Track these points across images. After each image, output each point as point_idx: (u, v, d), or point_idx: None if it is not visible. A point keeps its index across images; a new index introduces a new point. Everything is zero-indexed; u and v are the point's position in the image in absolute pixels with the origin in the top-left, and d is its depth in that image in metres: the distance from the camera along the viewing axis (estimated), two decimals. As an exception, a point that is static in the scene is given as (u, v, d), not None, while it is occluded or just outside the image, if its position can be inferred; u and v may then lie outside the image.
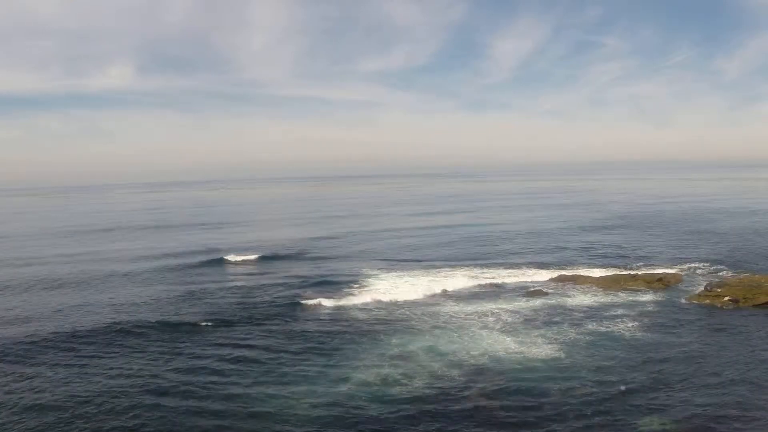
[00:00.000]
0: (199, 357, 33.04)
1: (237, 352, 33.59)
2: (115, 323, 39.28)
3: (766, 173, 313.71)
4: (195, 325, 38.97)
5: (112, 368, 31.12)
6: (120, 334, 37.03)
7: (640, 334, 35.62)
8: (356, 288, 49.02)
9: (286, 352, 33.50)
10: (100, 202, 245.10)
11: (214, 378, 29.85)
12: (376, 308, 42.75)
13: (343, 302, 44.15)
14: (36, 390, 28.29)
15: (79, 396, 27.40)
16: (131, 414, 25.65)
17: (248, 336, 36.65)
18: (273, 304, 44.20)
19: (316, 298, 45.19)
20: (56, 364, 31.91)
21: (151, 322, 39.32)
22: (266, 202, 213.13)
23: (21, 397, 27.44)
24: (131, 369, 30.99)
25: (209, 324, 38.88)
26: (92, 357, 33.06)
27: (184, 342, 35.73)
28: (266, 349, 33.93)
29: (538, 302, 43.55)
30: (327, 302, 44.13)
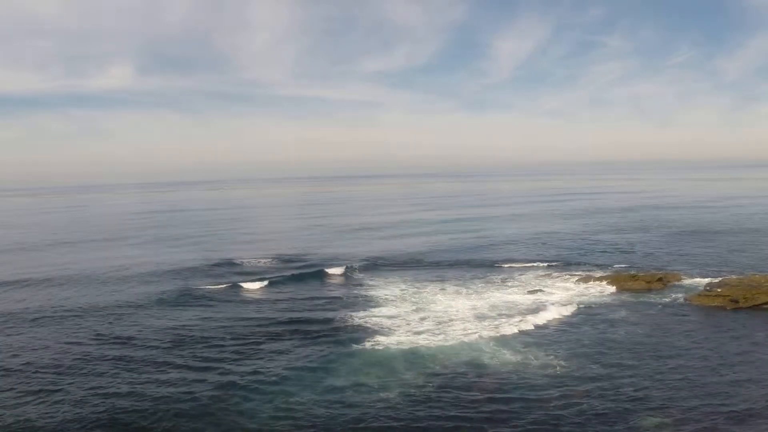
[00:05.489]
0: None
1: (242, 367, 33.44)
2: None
3: (766, 173, 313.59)
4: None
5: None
6: None
7: (639, 334, 35.57)
8: (365, 302, 45.43)
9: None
10: (100, 204, 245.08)
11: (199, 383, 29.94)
12: (385, 319, 41.20)
13: (352, 316, 41.28)
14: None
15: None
16: None
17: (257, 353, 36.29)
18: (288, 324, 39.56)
19: (328, 315, 41.62)
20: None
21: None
22: (267, 205, 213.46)
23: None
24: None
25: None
26: None
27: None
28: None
29: (536, 301, 43.41)
30: (337, 317, 41.12)
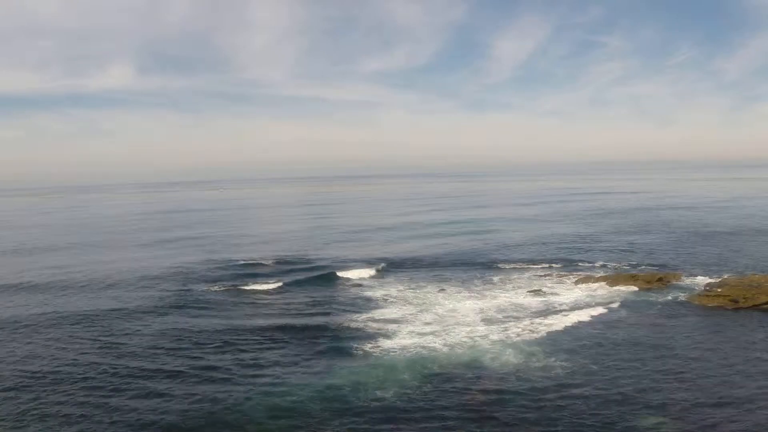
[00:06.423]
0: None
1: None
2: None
3: (766, 173, 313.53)
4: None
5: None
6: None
7: (639, 333, 35.70)
8: (367, 304, 45.06)
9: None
10: (100, 205, 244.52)
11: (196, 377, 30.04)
12: (388, 321, 41.14)
13: (355, 318, 41.96)
14: None
15: None
16: None
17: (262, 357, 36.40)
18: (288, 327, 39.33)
19: (336, 319, 40.82)
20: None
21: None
22: (267, 205, 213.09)
23: None
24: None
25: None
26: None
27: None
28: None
29: (536, 301, 43.69)
30: (340, 324, 40.26)
